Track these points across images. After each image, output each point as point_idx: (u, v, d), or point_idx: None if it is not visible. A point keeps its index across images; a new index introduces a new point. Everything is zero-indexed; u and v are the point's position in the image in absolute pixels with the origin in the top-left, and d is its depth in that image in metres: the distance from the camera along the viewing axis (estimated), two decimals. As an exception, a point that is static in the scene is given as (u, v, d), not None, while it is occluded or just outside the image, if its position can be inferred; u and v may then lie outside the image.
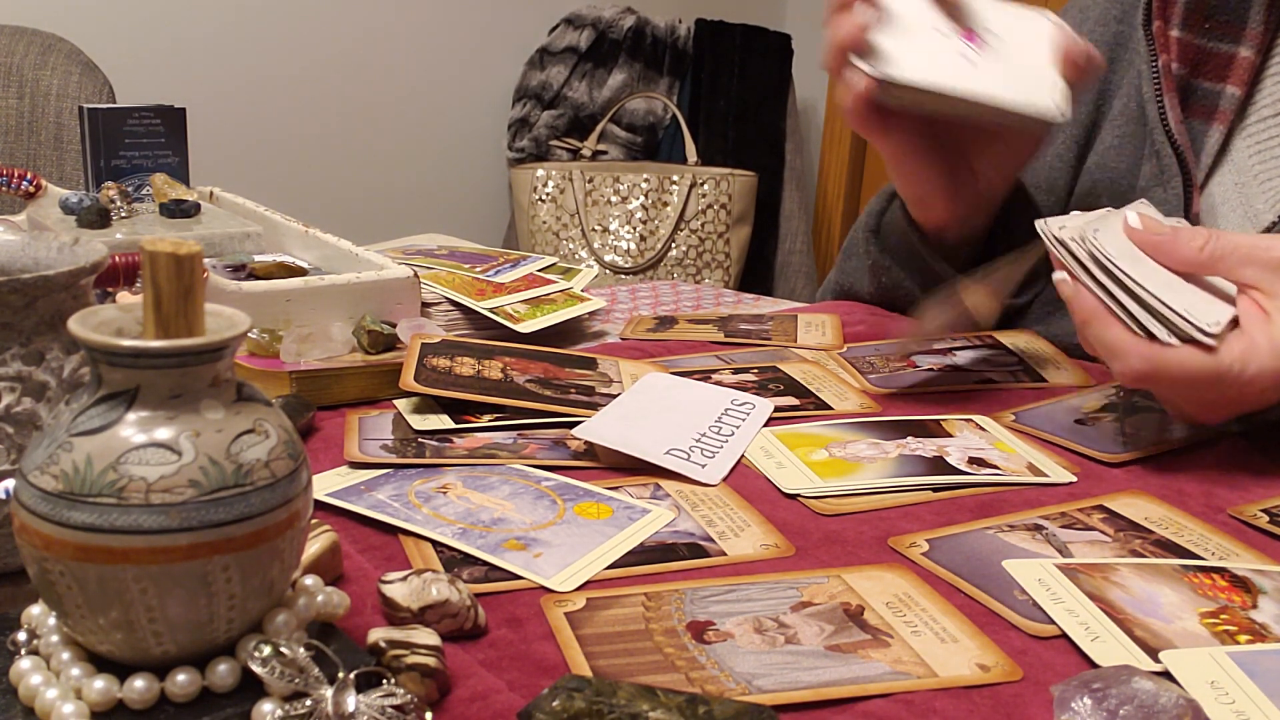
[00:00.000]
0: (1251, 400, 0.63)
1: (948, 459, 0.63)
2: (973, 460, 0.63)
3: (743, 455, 0.64)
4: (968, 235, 0.87)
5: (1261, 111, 0.81)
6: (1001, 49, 0.73)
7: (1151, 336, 0.62)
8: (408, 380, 0.66)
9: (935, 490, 0.60)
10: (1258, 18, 0.80)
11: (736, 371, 0.77)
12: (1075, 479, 0.62)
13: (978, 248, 0.88)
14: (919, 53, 0.71)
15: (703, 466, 0.61)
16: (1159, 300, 0.62)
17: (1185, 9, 0.82)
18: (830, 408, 0.72)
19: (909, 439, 0.66)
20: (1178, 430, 0.69)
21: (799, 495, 0.59)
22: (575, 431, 0.63)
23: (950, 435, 0.67)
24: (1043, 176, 0.92)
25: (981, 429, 0.68)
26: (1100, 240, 0.64)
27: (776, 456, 0.63)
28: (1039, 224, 0.68)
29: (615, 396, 0.70)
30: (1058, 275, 0.67)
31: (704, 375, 0.75)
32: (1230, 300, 0.63)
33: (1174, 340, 0.62)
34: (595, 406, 0.68)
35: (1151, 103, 0.83)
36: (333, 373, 0.69)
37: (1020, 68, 0.72)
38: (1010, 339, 0.86)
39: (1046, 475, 0.62)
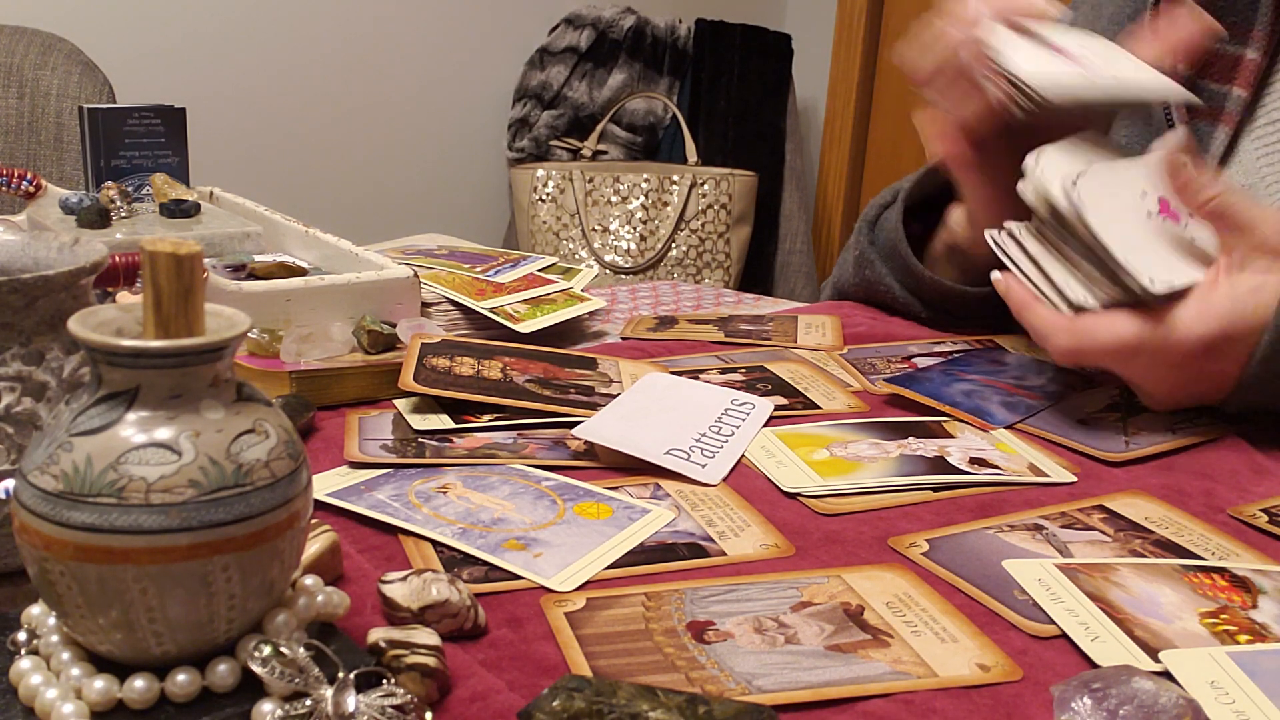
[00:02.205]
0: (1198, 370, 0.65)
1: (949, 459, 0.63)
2: (974, 460, 0.63)
3: (743, 455, 0.64)
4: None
5: (1271, 114, 0.81)
6: (1093, 54, 0.71)
7: (1078, 309, 0.65)
8: (407, 380, 0.66)
9: (935, 490, 0.60)
10: (1264, 20, 0.80)
11: (724, 371, 0.77)
12: (1075, 479, 0.63)
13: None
14: (1044, 59, 0.69)
15: (703, 466, 0.61)
16: (1114, 258, 0.63)
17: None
18: (819, 407, 0.72)
19: (910, 439, 0.66)
20: (1181, 430, 0.69)
21: (799, 495, 0.59)
22: (575, 431, 0.63)
23: (952, 436, 0.67)
24: None
25: (982, 430, 0.68)
26: (1081, 191, 0.65)
27: (777, 456, 0.63)
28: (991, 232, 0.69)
29: (615, 396, 0.70)
30: (994, 274, 0.70)
31: (693, 375, 0.75)
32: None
33: (1091, 304, 0.65)
34: (595, 406, 0.68)
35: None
36: (333, 373, 0.69)
37: (1122, 60, 0.71)
38: (1010, 342, 0.86)
39: (1048, 475, 0.62)
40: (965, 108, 0.72)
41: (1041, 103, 0.67)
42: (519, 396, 0.68)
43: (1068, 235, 0.66)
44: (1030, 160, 0.67)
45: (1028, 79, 0.67)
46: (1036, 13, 0.70)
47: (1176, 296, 0.64)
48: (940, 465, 0.62)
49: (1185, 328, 0.63)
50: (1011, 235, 0.69)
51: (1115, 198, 0.66)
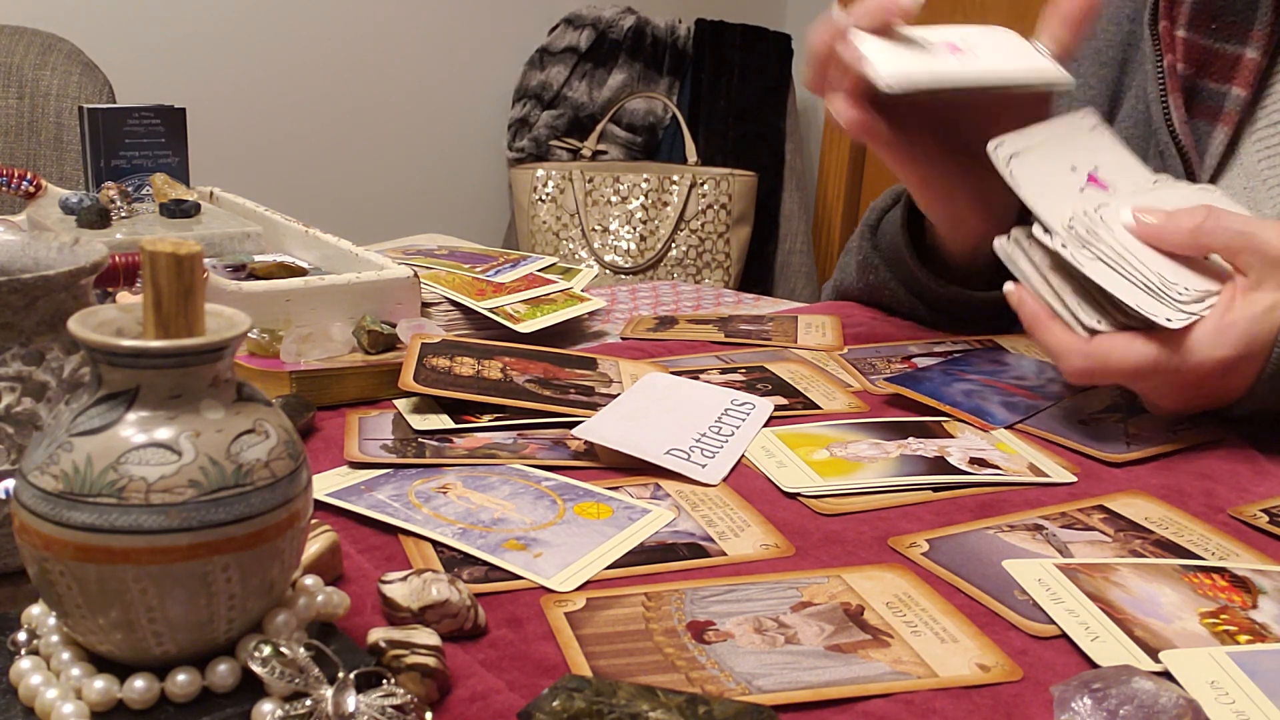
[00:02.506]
0: (1212, 387, 0.65)
1: (949, 459, 0.63)
2: (974, 461, 0.63)
3: (743, 455, 0.63)
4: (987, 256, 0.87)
5: (1271, 116, 0.81)
6: (982, 46, 0.74)
7: (1093, 331, 0.65)
8: (407, 380, 0.66)
9: (935, 490, 0.60)
10: (1264, 19, 0.80)
11: (724, 371, 0.77)
12: (1076, 479, 0.62)
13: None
14: (906, 53, 0.72)
15: (703, 466, 0.61)
16: (1125, 306, 0.63)
17: (1192, 9, 0.82)
18: (819, 407, 0.72)
19: (910, 439, 0.66)
20: (1182, 431, 0.69)
21: (799, 494, 0.59)
22: (575, 431, 0.63)
23: (952, 436, 0.67)
24: None
25: (983, 430, 0.68)
26: (1106, 215, 0.66)
27: (777, 456, 0.63)
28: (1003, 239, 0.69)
29: (615, 396, 0.70)
30: (1007, 286, 0.69)
31: (693, 375, 0.75)
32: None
33: (1104, 328, 0.64)
34: (595, 406, 0.68)
35: (1156, 103, 0.83)
36: (333, 373, 0.69)
37: (1008, 50, 0.74)
38: (1010, 342, 0.86)
39: (1048, 475, 0.62)
40: (844, 83, 0.74)
41: (886, 90, 0.69)
42: (519, 397, 0.68)
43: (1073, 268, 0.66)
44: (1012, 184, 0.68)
45: (868, 68, 0.69)
46: (900, 11, 0.71)
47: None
48: (940, 465, 0.62)
49: (1202, 351, 0.62)
50: (1020, 246, 0.68)
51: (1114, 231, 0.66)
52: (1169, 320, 0.62)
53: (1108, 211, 0.66)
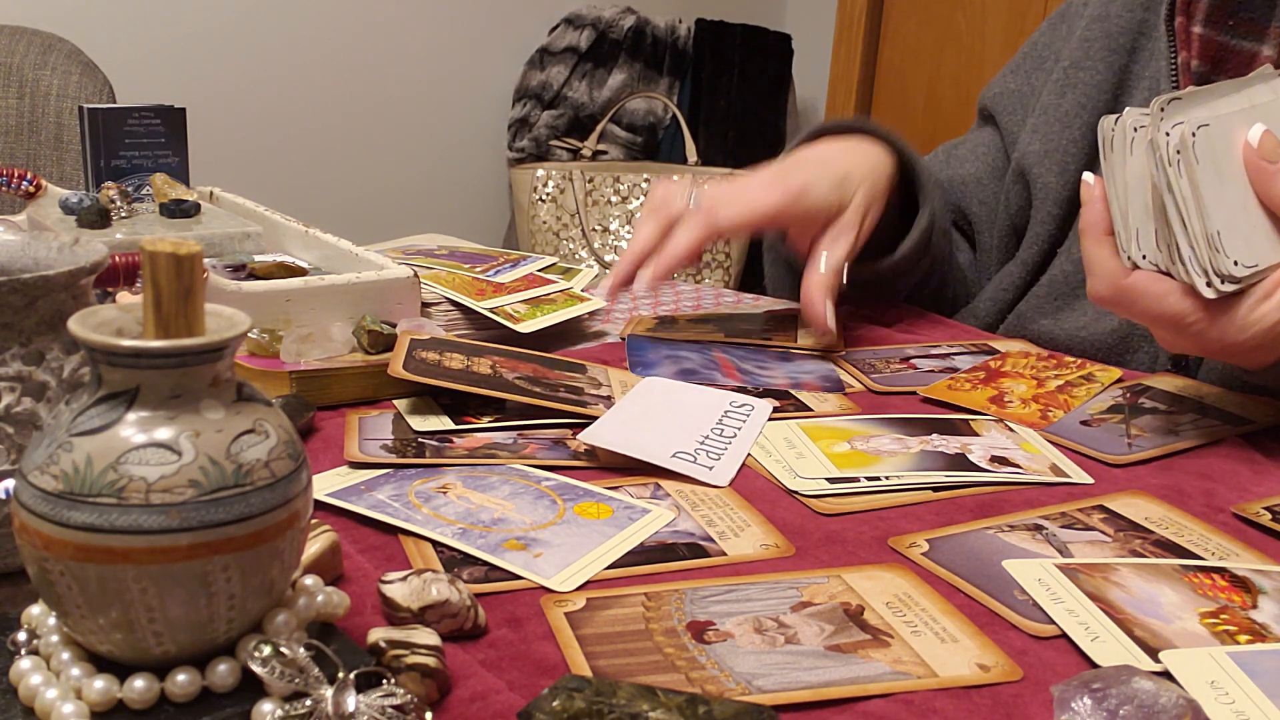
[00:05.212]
0: (1232, 354, 0.64)
1: (969, 456, 0.63)
2: (995, 459, 0.63)
3: (748, 455, 0.63)
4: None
5: None
6: None
7: (1134, 265, 0.63)
8: (396, 368, 0.66)
9: (935, 490, 0.60)
10: None
11: None
12: (1093, 481, 0.62)
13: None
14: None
15: (710, 469, 0.61)
16: (1200, 233, 0.60)
17: (1209, 5, 0.82)
18: (810, 409, 0.72)
19: (934, 435, 0.66)
20: (1185, 433, 0.69)
21: (798, 494, 0.59)
22: (580, 436, 0.63)
23: (977, 434, 0.67)
24: (1055, 161, 0.91)
25: (1010, 430, 0.68)
26: (1198, 142, 0.60)
27: (798, 447, 0.64)
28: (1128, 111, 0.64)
29: (606, 398, 0.70)
30: (1088, 175, 0.67)
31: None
32: None
33: (1147, 265, 0.62)
34: (586, 405, 0.68)
35: None
36: (333, 373, 0.69)
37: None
38: (1004, 345, 0.87)
39: (1068, 476, 0.62)
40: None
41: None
42: (510, 392, 0.68)
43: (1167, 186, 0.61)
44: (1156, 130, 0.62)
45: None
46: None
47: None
48: (959, 462, 0.62)
49: (1236, 326, 0.61)
50: (1125, 136, 0.63)
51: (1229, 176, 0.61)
52: (1208, 287, 0.60)
53: (1210, 134, 0.60)
